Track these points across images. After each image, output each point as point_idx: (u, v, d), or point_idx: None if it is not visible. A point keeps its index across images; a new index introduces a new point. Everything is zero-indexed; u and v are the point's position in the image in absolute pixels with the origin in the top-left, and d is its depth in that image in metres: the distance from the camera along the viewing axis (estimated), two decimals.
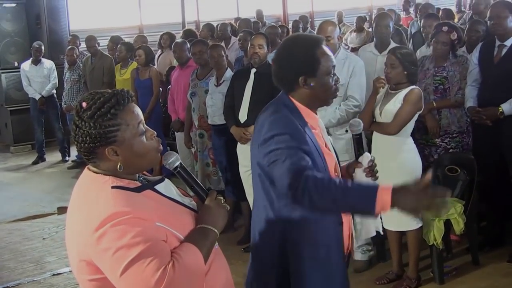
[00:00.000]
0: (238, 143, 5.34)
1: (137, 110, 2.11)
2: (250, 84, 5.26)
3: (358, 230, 2.76)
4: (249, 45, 5.48)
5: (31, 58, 9.85)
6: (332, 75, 2.61)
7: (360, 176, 2.71)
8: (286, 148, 2.39)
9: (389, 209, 2.13)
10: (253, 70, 5.30)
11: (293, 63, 2.60)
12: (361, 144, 2.84)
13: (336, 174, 2.66)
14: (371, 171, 2.70)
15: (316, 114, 2.69)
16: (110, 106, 2.03)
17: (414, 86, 4.43)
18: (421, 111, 4.49)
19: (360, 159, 2.73)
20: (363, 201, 2.18)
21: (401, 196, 2.11)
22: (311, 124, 2.63)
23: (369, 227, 2.77)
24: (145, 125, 2.12)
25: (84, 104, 2.04)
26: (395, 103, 4.39)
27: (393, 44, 5.56)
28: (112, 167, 2.08)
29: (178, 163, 2.24)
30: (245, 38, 6.87)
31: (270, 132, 2.48)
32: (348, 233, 2.69)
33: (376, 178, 2.72)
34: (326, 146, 2.67)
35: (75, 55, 9.42)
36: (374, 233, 2.83)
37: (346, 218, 2.67)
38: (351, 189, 2.24)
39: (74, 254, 2.04)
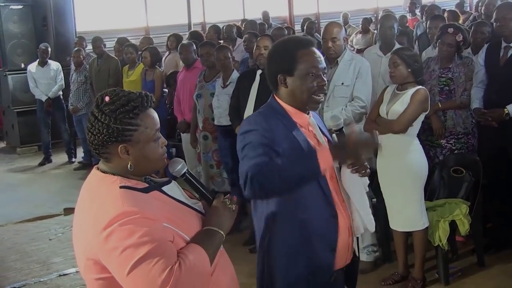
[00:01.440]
0: None
1: (156, 117, 2.15)
2: (255, 85, 5.28)
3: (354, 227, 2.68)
4: (255, 46, 5.50)
5: (38, 60, 9.89)
6: (311, 76, 2.60)
7: (344, 172, 2.62)
8: (249, 144, 2.52)
9: (332, 163, 2.35)
10: (259, 72, 5.31)
11: (274, 61, 2.69)
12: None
13: (330, 172, 2.62)
14: (355, 167, 2.55)
15: (308, 114, 2.70)
16: (134, 105, 2.06)
17: (420, 87, 4.43)
18: (427, 112, 4.49)
19: None
20: (306, 163, 2.35)
21: (338, 150, 2.34)
22: (300, 123, 2.65)
23: (358, 224, 2.67)
24: (159, 133, 2.15)
25: (107, 98, 2.07)
26: (402, 103, 4.38)
27: (397, 46, 5.57)
28: (120, 166, 2.10)
29: (185, 170, 2.27)
30: (250, 39, 6.88)
31: (241, 130, 2.62)
32: (346, 226, 2.64)
33: (364, 175, 2.61)
34: (320, 145, 2.65)
35: (81, 56, 9.44)
36: (362, 230, 2.70)
37: (344, 218, 2.64)
38: (291, 158, 2.40)
39: (81, 252, 2.06)
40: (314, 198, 2.57)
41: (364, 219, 2.66)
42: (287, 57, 2.63)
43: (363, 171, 2.59)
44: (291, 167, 2.36)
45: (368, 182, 2.73)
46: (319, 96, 2.65)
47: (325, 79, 2.66)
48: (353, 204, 2.65)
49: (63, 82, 9.90)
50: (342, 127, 2.70)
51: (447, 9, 9.63)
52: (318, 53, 2.67)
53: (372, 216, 2.72)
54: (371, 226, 2.71)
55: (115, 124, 2.04)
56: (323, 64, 2.67)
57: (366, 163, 2.61)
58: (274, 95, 2.72)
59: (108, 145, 2.07)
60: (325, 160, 2.33)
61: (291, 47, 2.67)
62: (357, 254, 2.78)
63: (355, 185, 2.65)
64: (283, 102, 2.67)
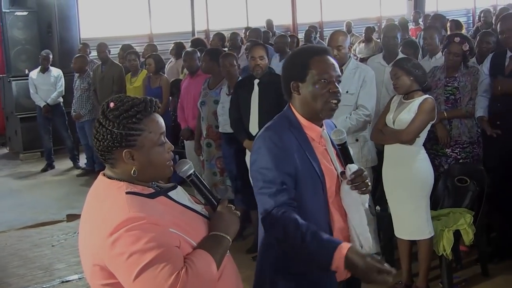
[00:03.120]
0: (248, 152, 5.34)
1: (161, 121, 2.15)
2: (255, 96, 5.27)
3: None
4: (250, 57, 5.47)
5: (39, 66, 9.90)
6: (323, 82, 2.54)
7: (343, 188, 2.56)
8: (265, 182, 2.46)
9: (342, 269, 2.26)
10: (256, 81, 5.30)
11: (288, 69, 2.66)
12: (346, 155, 2.63)
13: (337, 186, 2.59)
14: (355, 184, 2.52)
15: (321, 127, 2.65)
16: (138, 110, 2.07)
17: (427, 96, 4.42)
18: (434, 121, 4.48)
19: (346, 170, 2.59)
20: (321, 259, 2.28)
21: (352, 266, 2.24)
22: (312, 136, 2.61)
23: (354, 240, 2.60)
24: (165, 138, 2.15)
25: (111, 104, 2.08)
26: (409, 112, 4.37)
27: (401, 55, 5.57)
28: (126, 172, 2.10)
29: (191, 171, 2.27)
30: None
31: (254, 165, 2.54)
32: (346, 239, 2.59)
33: (364, 193, 2.56)
34: (330, 159, 2.62)
35: (83, 63, 9.43)
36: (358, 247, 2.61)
37: (342, 233, 2.60)
38: (312, 243, 2.30)
39: (88, 258, 2.06)
40: (318, 221, 2.51)
41: (359, 237, 2.60)
42: (300, 64, 2.60)
43: (364, 188, 2.55)
44: (306, 251, 2.32)
45: (368, 199, 2.66)
46: (333, 103, 2.58)
47: (338, 86, 2.59)
48: (349, 220, 2.61)
49: (63, 88, 9.90)
50: (345, 142, 2.64)
51: (450, 19, 9.63)
52: (332, 60, 2.63)
53: (369, 235, 2.66)
54: (367, 244, 2.64)
55: (118, 130, 2.05)
56: (337, 72, 2.61)
57: (368, 180, 2.56)
58: (290, 104, 2.68)
59: (113, 150, 2.08)
60: (337, 266, 2.26)
61: (304, 54, 2.64)
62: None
63: (353, 202, 2.58)
64: (297, 113, 2.62)
